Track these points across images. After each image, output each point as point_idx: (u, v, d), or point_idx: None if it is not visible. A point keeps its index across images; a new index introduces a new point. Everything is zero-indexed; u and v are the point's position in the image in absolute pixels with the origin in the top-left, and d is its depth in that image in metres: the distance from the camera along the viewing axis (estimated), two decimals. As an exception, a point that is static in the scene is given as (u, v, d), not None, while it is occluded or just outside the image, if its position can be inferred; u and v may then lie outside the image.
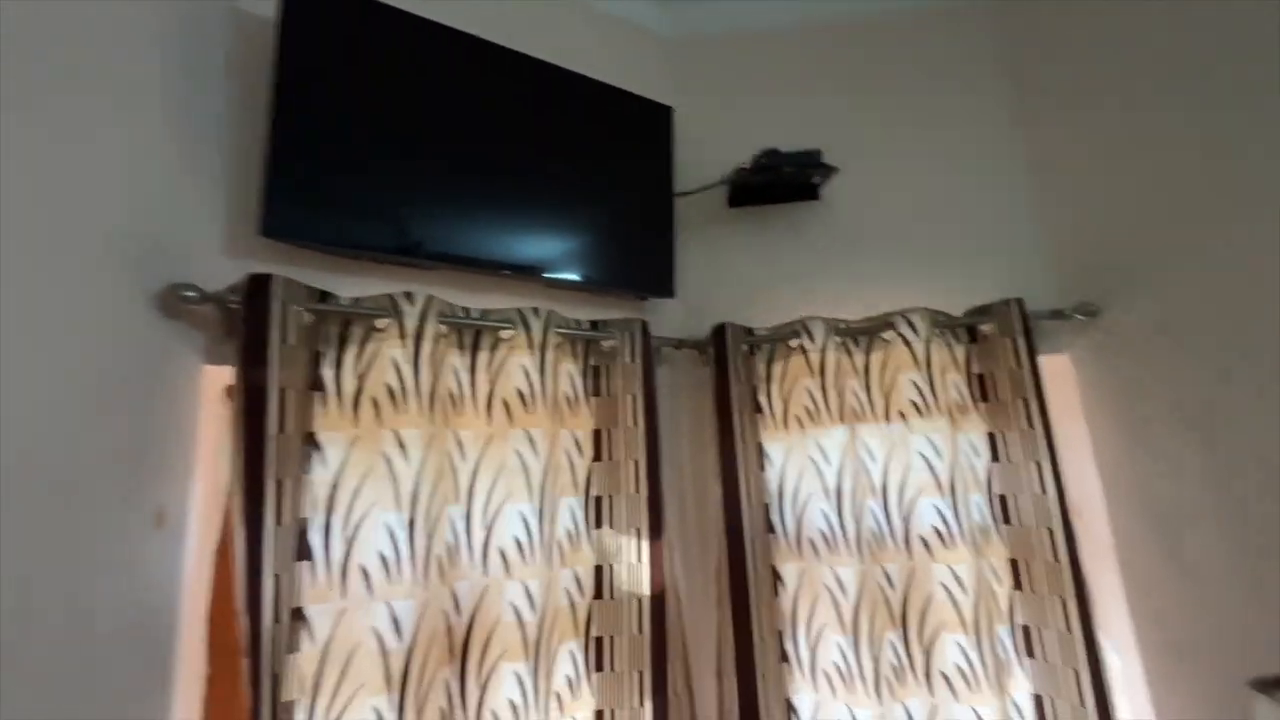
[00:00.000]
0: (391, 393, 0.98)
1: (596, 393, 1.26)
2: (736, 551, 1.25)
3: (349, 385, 0.97)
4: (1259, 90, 1.01)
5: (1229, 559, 1.08)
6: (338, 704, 0.88)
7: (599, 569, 1.18)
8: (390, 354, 0.99)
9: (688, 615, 1.29)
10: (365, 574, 0.93)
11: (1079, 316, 1.33)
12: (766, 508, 1.30)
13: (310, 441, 0.93)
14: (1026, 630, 1.25)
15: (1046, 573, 1.22)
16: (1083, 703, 1.14)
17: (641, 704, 1.12)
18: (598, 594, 1.17)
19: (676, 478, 1.37)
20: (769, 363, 1.37)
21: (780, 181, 1.44)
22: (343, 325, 0.99)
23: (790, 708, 1.22)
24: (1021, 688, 1.22)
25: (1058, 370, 1.39)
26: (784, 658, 1.24)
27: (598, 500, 1.21)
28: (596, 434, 1.24)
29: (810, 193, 1.51)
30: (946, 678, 1.21)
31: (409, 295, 1.02)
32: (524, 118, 1.27)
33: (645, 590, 1.17)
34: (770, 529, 1.29)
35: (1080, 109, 1.38)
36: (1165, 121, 1.19)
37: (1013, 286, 1.36)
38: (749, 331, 1.38)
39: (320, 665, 0.88)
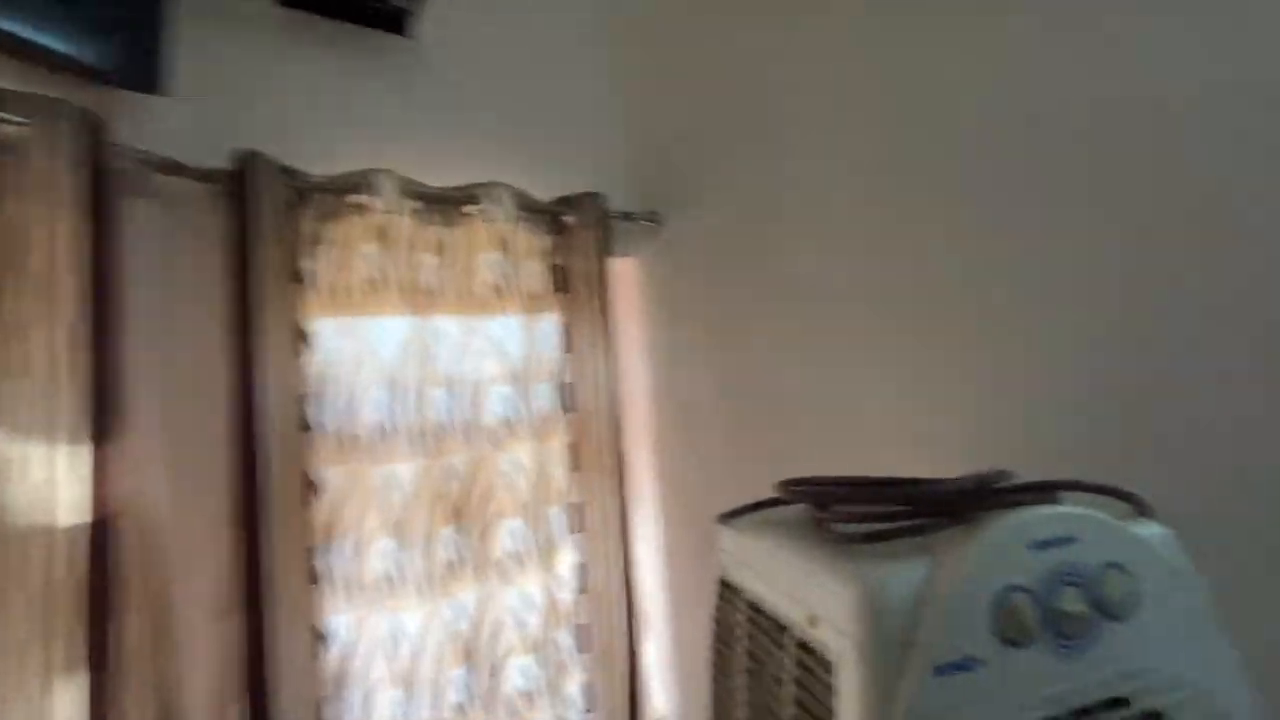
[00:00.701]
0: None
1: (-14, 215, 0.76)
2: (252, 457, 0.95)
3: None
4: (827, 28, 1.14)
5: (725, 433, 1.33)
6: None
7: (-25, 496, 0.73)
8: None
9: (184, 544, 0.94)
10: None
11: (644, 222, 1.43)
12: (302, 401, 1.03)
13: None
14: (580, 508, 1.32)
15: (597, 454, 1.30)
16: (613, 562, 1.27)
17: (53, 684, 0.75)
18: (-23, 535, 0.73)
19: (170, 359, 0.97)
20: (321, 219, 1.07)
21: (353, -12, 1.12)
22: None
23: (317, 635, 1.01)
24: (567, 561, 1.29)
25: (630, 272, 1.50)
26: (314, 578, 1.02)
27: (-23, 388, 0.73)
28: (-19, 282, 0.75)
29: (397, 24, 1.22)
30: (499, 564, 1.19)
31: None
32: None
33: (80, 518, 0.78)
34: (307, 426, 1.03)
35: (670, 24, 1.45)
36: (736, 49, 1.30)
37: (599, 183, 1.37)
38: (292, 173, 1.04)
39: None
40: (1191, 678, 0.68)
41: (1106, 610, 0.66)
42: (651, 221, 1.43)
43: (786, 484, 0.90)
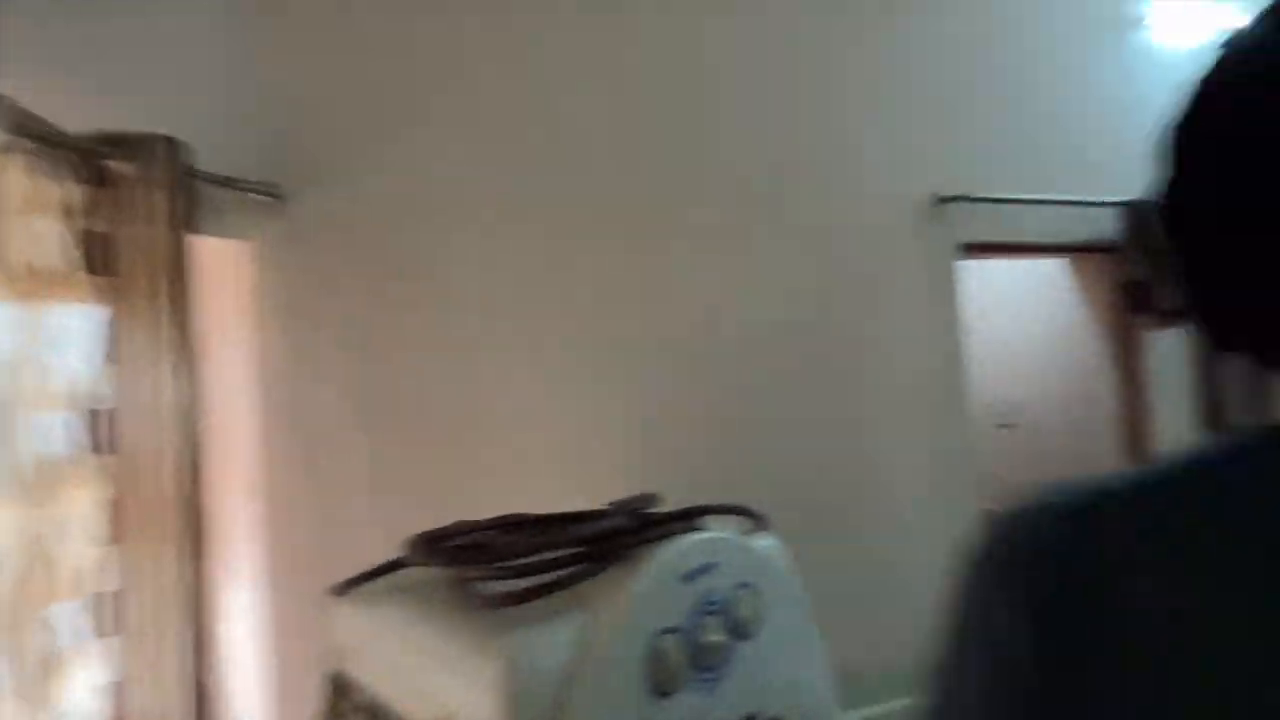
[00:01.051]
0: None
1: None
2: None
3: None
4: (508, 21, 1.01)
5: (365, 470, 1.08)
6: None
7: None
8: None
9: None
10: None
11: (258, 195, 1.08)
12: None
13: None
14: (119, 597, 0.89)
15: (155, 513, 0.89)
16: (173, 671, 0.88)
17: None
18: None
19: None
20: None
21: None
22: None
23: None
24: (86, 682, 0.85)
25: (237, 259, 1.11)
26: None
27: None
28: None
29: None
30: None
31: None
32: None
33: None
34: None
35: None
36: (406, 20, 1.09)
37: (183, 128, 0.98)
38: None
39: None
40: (798, 679, 0.72)
41: (739, 632, 0.66)
42: (270, 195, 1.09)
43: (417, 541, 0.71)
